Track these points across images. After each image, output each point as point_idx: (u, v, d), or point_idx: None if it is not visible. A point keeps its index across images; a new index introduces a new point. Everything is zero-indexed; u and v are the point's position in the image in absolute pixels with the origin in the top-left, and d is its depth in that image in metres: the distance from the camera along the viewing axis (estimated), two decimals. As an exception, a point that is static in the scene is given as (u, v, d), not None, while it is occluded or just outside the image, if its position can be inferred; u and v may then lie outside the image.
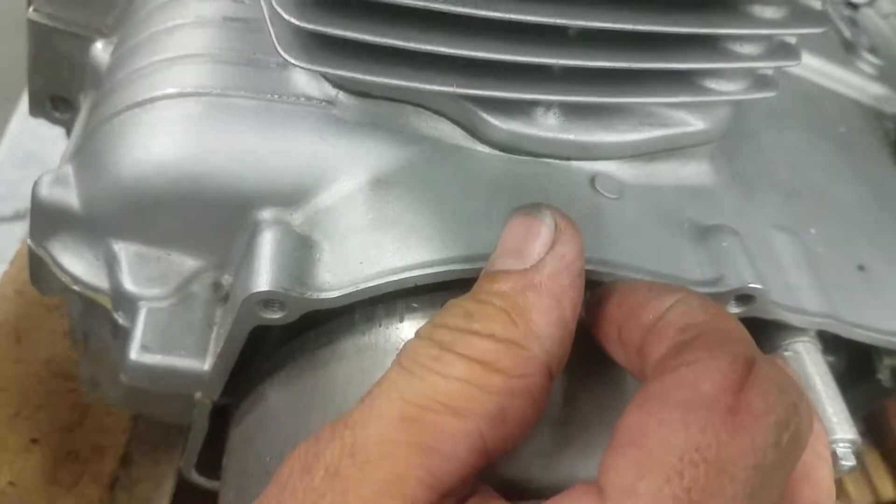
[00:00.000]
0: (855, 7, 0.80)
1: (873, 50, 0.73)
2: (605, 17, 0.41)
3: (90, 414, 0.75)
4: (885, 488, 0.95)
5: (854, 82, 0.70)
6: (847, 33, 0.72)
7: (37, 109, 0.67)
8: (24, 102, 1.20)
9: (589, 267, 0.42)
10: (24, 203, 1.14)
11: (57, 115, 0.67)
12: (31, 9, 0.62)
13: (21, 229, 1.08)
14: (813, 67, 0.68)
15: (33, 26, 0.62)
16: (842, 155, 0.63)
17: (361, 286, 0.41)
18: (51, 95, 0.66)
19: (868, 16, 0.80)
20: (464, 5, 0.39)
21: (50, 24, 0.62)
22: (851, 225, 0.57)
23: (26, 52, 0.65)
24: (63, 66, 0.63)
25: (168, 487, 0.75)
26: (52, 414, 0.75)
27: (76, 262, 0.49)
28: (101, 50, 0.55)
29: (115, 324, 0.50)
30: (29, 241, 0.50)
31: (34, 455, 0.72)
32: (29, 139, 1.17)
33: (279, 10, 0.39)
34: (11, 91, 1.20)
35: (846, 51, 0.72)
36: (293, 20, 0.39)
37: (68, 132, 0.72)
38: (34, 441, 0.73)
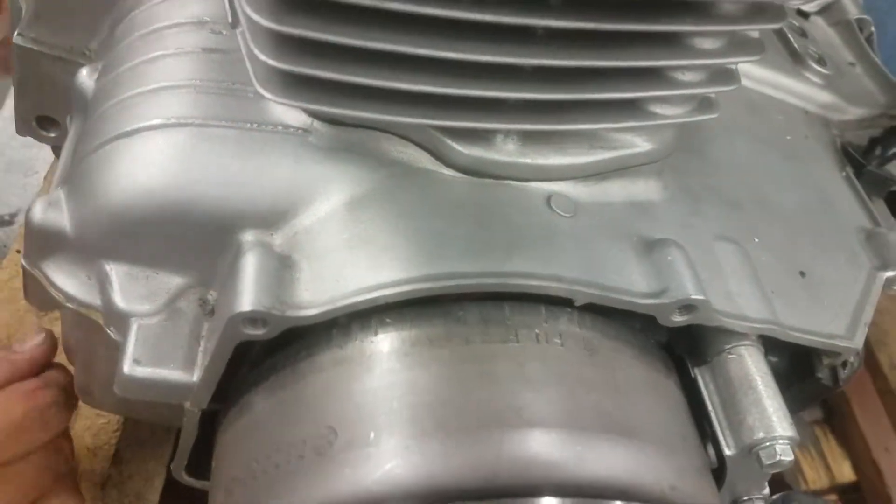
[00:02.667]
0: (805, 16, 0.84)
1: (821, 59, 0.76)
2: (558, 55, 0.44)
3: (82, 416, 0.78)
4: (842, 471, 0.99)
5: (801, 91, 0.74)
6: (795, 44, 0.76)
7: (24, 128, 0.69)
8: (6, 109, 1.21)
9: (542, 283, 0.46)
10: (9, 209, 1.16)
11: (43, 133, 0.70)
12: (16, 33, 0.64)
13: (4, 234, 1.10)
14: (760, 78, 0.71)
15: (19, 50, 0.64)
16: (787, 163, 0.66)
17: (338, 304, 0.45)
18: (37, 115, 0.68)
19: (818, 24, 0.84)
20: (427, 48, 0.42)
21: (35, 48, 0.64)
22: (794, 231, 0.60)
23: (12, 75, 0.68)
24: (48, 88, 0.66)
25: (158, 483, 0.78)
26: (44, 417, 0.77)
27: (69, 282, 0.52)
28: (86, 76, 0.58)
29: (106, 336, 0.53)
30: (23, 261, 0.53)
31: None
32: (12, 146, 1.18)
33: (256, 51, 0.43)
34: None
35: (793, 60, 0.75)
36: (269, 61, 0.43)
37: (54, 150, 0.75)
38: (27, 443, 0.76)
